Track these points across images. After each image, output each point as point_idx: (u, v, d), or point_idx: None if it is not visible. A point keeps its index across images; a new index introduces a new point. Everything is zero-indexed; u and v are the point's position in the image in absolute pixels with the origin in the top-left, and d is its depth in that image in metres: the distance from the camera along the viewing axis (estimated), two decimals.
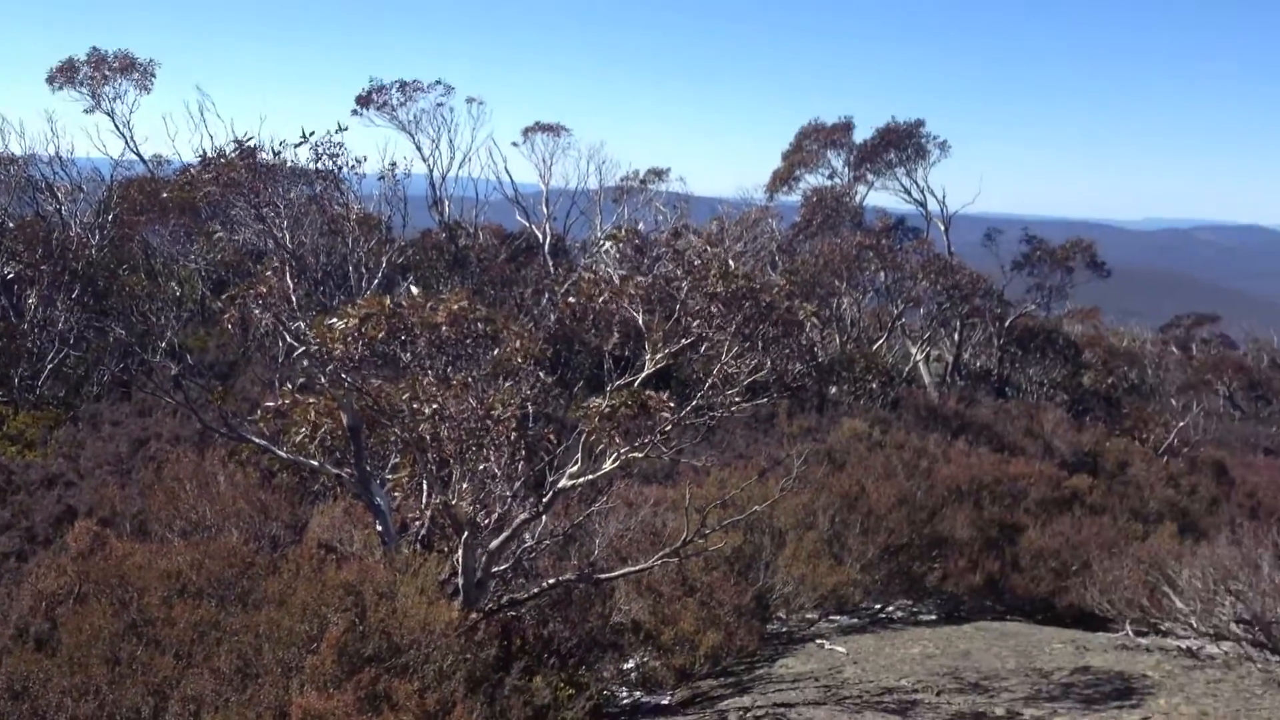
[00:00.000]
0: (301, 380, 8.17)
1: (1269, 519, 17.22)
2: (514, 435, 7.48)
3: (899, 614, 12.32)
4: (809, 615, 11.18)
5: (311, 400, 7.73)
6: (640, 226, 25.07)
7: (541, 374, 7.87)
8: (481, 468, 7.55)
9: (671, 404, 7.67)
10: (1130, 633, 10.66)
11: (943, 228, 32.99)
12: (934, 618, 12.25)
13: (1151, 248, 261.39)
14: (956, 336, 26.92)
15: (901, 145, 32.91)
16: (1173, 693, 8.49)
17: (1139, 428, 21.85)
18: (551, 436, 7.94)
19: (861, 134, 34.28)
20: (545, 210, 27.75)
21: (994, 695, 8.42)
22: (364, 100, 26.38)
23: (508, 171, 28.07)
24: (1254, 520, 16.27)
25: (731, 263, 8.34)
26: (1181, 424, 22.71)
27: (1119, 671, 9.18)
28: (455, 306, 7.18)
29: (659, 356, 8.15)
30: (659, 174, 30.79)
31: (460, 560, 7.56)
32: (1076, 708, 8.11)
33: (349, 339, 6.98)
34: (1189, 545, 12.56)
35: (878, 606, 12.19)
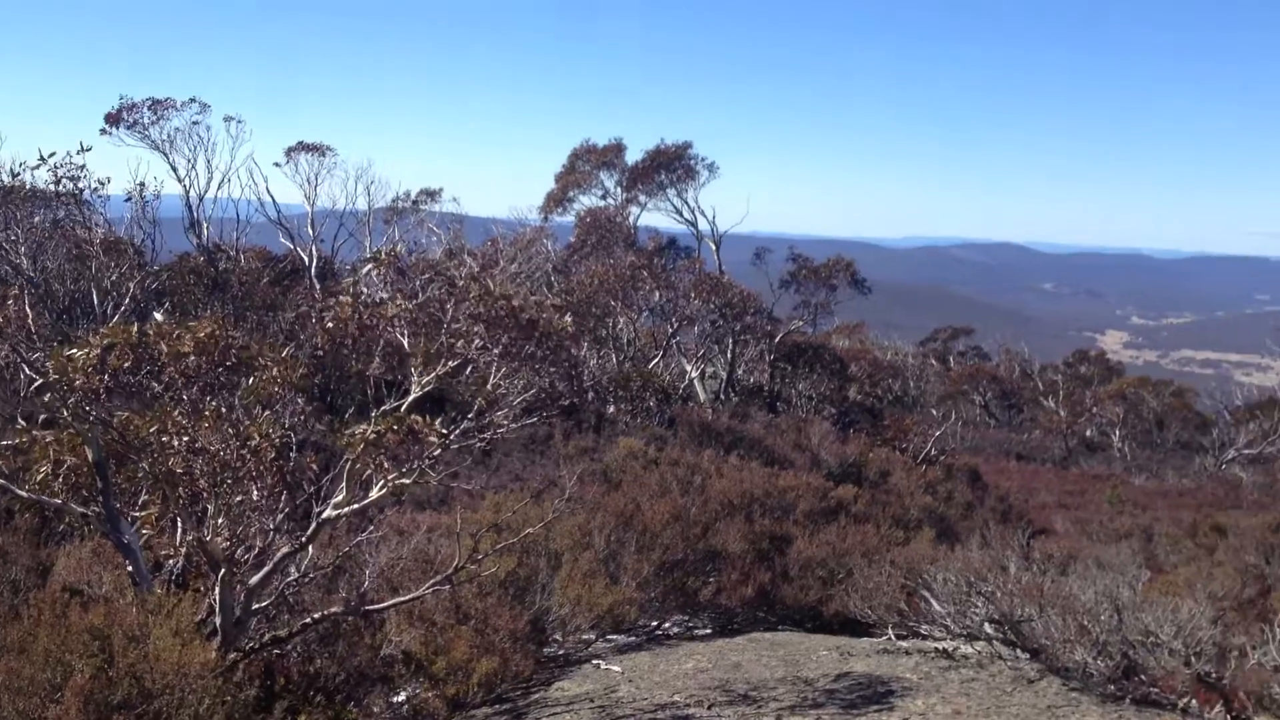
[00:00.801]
0: (43, 415, 7.70)
1: (1018, 522, 18.26)
2: (273, 466, 7.24)
3: (675, 629, 12.44)
4: (586, 636, 11.18)
5: (52, 436, 7.31)
6: (400, 248, 24.68)
7: (300, 401, 7.65)
8: (238, 500, 7.28)
9: (440, 428, 7.57)
10: (893, 636, 11.04)
11: (714, 247, 33.76)
12: (709, 631, 12.43)
13: (912, 264, 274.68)
14: (730, 354, 27.54)
15: (671, 166, 33.55)
16: (929, 693, 8.85)
17: (899, 437, 22.75)
18: (314, 466, 7.71)
19: (633, 155, 34.89)
20: (311, 232, 26.96)
21: (762, 705, 8.60)
22: (113, 119, 25.03)
23: (269, 192, 27.21)
24: (1005, 523, 17.21)
25: (491, 283, 8.30)
26: (938, 433, 23.78)
27: (880, 675, 9.51)
28: (204, 334, 6.89)
29: (425, 380, 8.04)
30: (431, 194, 30.45)
31: (217, 598, 7.26)
32: (838, 713, 8.36)
33: (90, 370, 6.63)
34: (945, 550, 13.14)
35: (654, 623, 12.28)
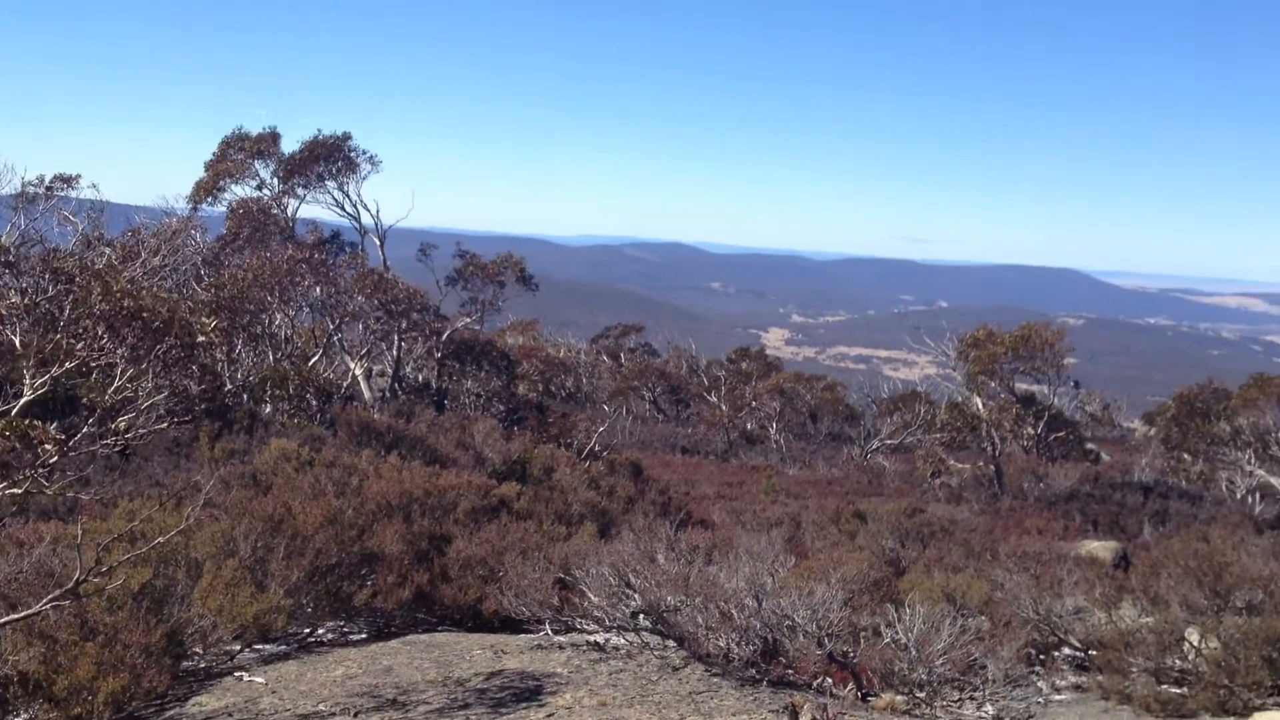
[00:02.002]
0: None
1: (678, 513, 18.84)
2: None
3: (330, 636, 12.11)
4: (231, 647, 10.69)
5: None
6: (7, 238, 22.80)
7: None
8: None
9: (59, 434, 7.05)
10: (550, 632, 11.13)
11: (378, 242, 33.13)
12: (364, 636, 12.16)
13: (586, 262, 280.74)
14: (396, 351, 27.11)
15: (331, 158, 32.66)
16: (578, 686, 8.96)
17: (565, 434, 23.06)
18: None
19: (292, 145, 33.80)
20: None
21: (410, 710, 8.47)
22: None
23: None
24: (664, 516, 17.71)
25: (112, 281, 7.79)
26: (602, 428, 24.25)
27: (532, 671, 9.56)
28: None
29: (39, 383, 7.46)
30: (67, 180, 28.08)
31: None
32: (487, 713, 8.34)
33: None
34: (603, 544, 13.36)
35: (306, 631, 11.90)
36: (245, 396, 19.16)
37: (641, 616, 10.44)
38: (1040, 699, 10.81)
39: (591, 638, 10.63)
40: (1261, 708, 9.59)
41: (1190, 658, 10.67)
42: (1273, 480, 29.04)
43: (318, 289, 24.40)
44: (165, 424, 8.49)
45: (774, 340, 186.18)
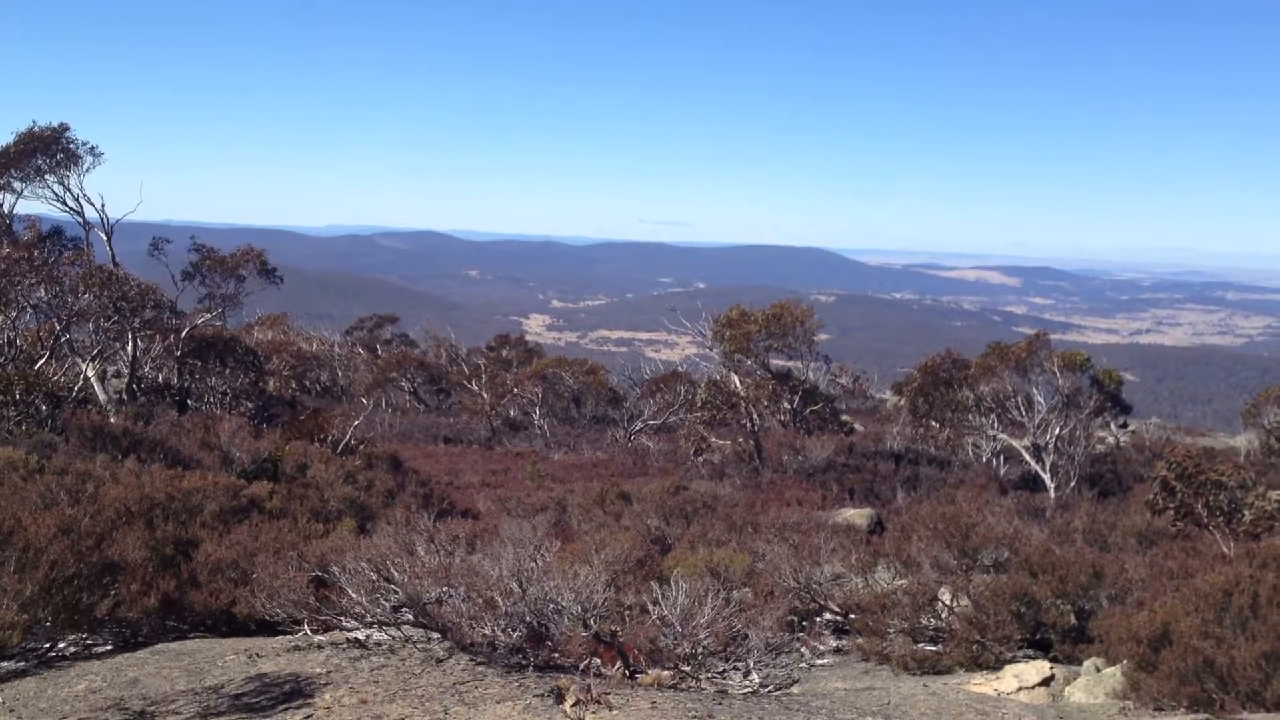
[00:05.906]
0: None
1: (441, 504, 18.58)
2: None
3: (72, 650, 11.39)
4: None
5: None
6: None
7: None
8: None
9: None
10: (308, 632, 10.75)
11: (104, 236, 31.44)
12: (110, 648, 11.49)
13: (338, 253, 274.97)
14: (132, 351, 25.72)
15: (49, 150, 30.90)
16: (338, 685, 8.66)
17: (318, 429, 22.38)
18: None
19: (4, 137, 31.88)
20: None
21: None
22: None
23: None
24: (426, 507, 17.43)
25: None
26: (357, 422, 23.64)
27: (291, 673, 9.19)
28: None
29: None
30: None
31: None
32: (244, 718, 7.96)
33: None
34: (364, 539, 13.00)
35: (46, 645, 11.17)
36: None
37: (403, 610, 10.18)
38: (804, 664, 11.08)
39: (352, 635, 10.31)
40: (1012, 660, 10.07)
41: (944, 616, 11.13)
42: (1015, 443, 30.70)
43: (41, 288, 22.86)
44: None
45: (535, 326, 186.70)
